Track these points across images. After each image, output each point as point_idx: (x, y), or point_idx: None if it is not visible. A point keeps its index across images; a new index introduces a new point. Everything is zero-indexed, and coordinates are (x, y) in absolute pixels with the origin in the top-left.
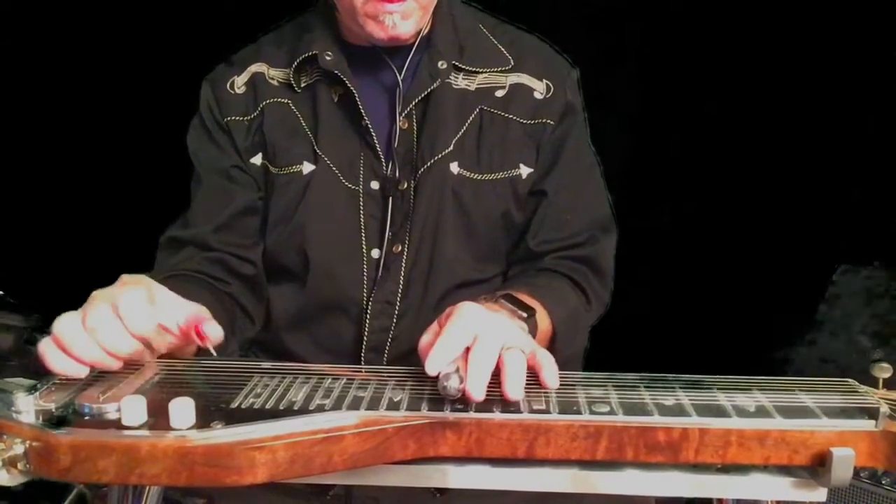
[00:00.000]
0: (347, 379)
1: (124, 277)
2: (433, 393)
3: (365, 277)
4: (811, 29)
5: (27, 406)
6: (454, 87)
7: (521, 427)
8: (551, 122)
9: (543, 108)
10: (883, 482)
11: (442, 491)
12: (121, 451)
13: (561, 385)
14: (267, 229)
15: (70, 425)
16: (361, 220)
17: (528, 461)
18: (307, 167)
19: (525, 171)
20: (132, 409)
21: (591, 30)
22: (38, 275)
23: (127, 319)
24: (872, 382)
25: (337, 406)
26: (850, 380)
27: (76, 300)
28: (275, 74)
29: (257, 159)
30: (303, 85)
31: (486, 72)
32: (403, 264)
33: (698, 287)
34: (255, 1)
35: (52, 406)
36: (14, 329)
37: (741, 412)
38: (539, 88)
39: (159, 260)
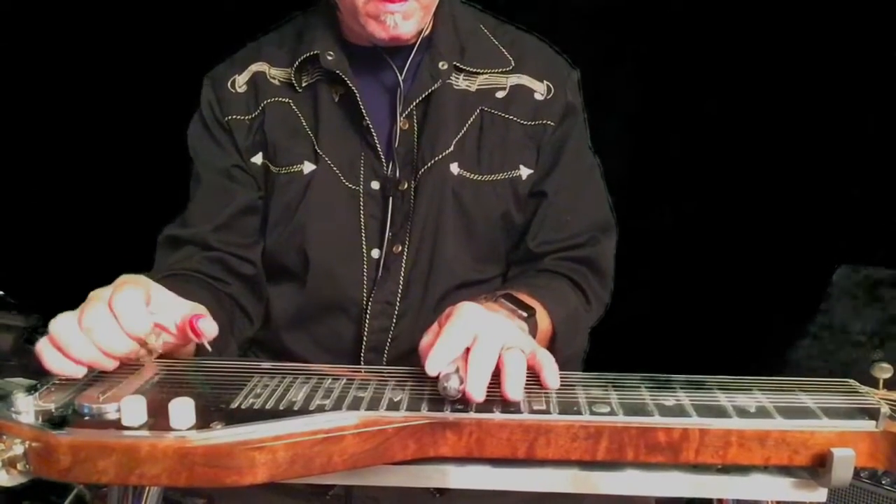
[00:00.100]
0: (347, 379)
1: (123, 277)
2: (433, 393)
3: (365, 277)
4: (811, 29)
5: (27, 406)
6: (455, 87)
7: (522, 427)
8: (552, 123)
9: (544, 109)
10: (883, 482)
11: (442, 491)
12: (121, 452)
13: (561, 385)
14: (267, 229)
15: (70, 426)
16: (362, 220)
17: (529, 461)
18: (308, 167)
19: (525, 172)
20: (132, 409)
21: (591, 30)
22: (38, 275)
23: (123, 319)
24: (872, 382)
25: (337, 406)
26: (850, 380)
27: (76, 300)
28: (276, 74)
29: (258, 159)
30: (304, 84)
31: (486, 72)
32: (403, 264)
33: (698, 287)
34: (255, 1)
35: (52, 406)
36: (14, 329)
37: (741, 412)
38: (539, 89)
39: (158, 259)
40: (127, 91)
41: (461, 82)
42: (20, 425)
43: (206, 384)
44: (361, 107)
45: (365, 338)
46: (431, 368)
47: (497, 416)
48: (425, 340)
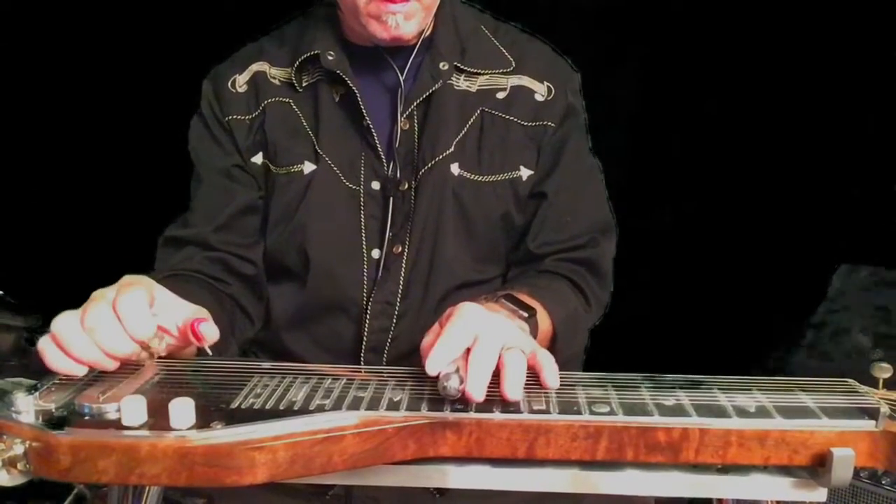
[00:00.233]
0: (347, 379)
1: (126, 278)
2: (433, 393)
3: (365, 278)
4: (811, 29)
5: (27, 406)
6: (455, 88)
7: (522, 427)
8: (552, 125)
9: (544, 110)
10: (883, 482)
11: (442, 491)
12: (121, 452)
13: (561, 385)
14: (267, 229)
15: (70, 425)
16: (362, 220)
17: (529, 461)
18: (308, 167)
19: (525, 172)
20: (132, 409)
21: (591, 30)
22: (38, 275)
23: (126, 320)
24: (872, 382)
25: (337, 406)
26: (850, 380)
27: (76, 300)
28: (276, 73)
29: (258, 158)
30: (304, 84)
31: (487, 73)
32: (403, 265)
33: (698, 287)
34: (255, 1)
35: (52, 406)
36: (14, 329)
37: (741, 412)
38: (540, 90)
39: (159, 259)
40: (127, 91)
41: (462, 83)
42: (20, 425)
43: (206, 384)
44: (362, 107)
45: (365, 338)
46: (431, 368)
47: (497, 415)
48: (426, 340)
